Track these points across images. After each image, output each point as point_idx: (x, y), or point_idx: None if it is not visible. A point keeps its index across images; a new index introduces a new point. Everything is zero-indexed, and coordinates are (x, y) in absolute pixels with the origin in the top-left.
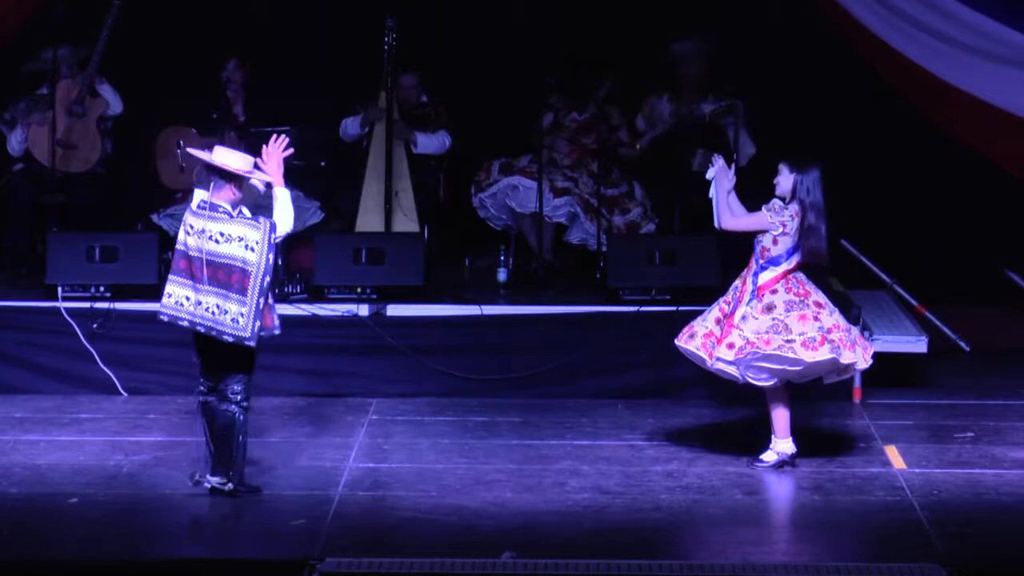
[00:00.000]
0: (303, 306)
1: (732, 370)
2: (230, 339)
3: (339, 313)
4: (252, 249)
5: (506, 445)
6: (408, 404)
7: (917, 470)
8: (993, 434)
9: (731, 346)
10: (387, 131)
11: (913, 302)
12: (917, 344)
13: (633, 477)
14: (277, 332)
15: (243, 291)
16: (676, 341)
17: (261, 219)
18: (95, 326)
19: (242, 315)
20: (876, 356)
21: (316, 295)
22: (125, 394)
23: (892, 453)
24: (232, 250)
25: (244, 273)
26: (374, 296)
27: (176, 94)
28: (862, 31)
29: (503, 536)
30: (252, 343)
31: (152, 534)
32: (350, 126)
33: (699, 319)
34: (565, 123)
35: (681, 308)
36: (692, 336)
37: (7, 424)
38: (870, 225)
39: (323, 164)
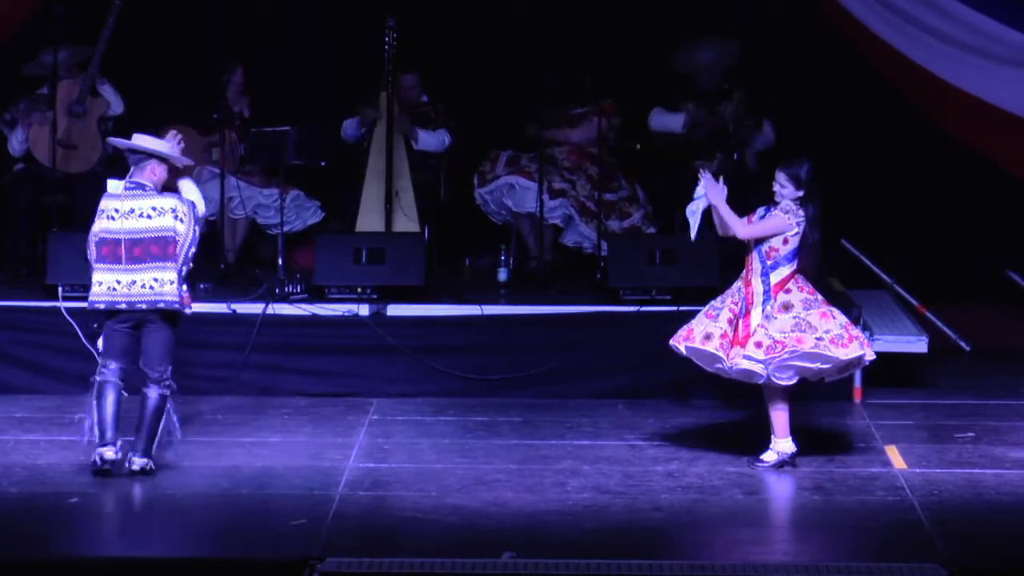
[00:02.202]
0: (303, 306)
1: (758, 368)
2: (176, 306)
3: (339, 313)
4: (181, 220)
5: (506, 445)
6: (408, 404)
7: (917, 470)
8: (993, 434)
9: (759, 345)
10: (387, 131)
11: (913, 302)
12: (917, 344)
13: (633, 477)
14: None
15: (175, 259)
16: (686, 343)
17: (184, 197)
18: (95, 326)
19: (171, 282)
20: (876, 356)
21: (316, 295)
22: (125, 394)
23: (892, 453)
24: (165, 222)
25: (175, 243)
26: (374, 296)
27: (176, 94)
28: (862, 31)
29: (503, 536)
30: (186, 309)
31: (152, 534)
32: (349, 127)
33: (704, 321)
34: (559, 130)
35: (681, 308)
36: (708, 338)
37: (7, 424)
38: (870, 225)
39: (323, 164)
